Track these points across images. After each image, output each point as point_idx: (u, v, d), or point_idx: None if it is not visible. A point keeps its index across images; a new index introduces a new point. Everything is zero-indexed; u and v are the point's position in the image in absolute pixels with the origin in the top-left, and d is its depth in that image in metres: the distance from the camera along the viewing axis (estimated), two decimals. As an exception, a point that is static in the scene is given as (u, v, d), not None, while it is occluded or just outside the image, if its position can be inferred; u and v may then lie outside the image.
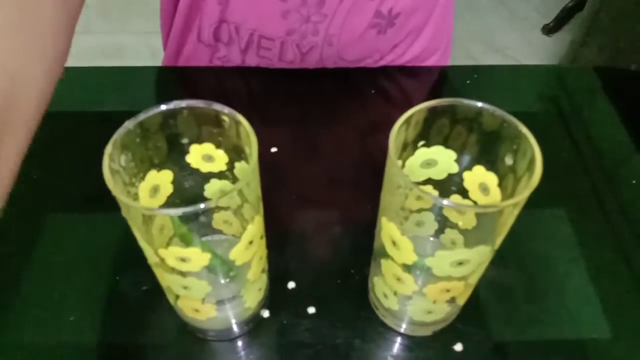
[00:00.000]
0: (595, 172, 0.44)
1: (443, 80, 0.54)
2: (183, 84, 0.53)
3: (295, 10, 0.48)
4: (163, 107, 0.27)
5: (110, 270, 0.37)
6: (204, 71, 0.54)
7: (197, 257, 0.26)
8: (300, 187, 0.43)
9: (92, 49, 1.46)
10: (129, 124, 0.27)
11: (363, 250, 0.35)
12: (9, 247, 0.38)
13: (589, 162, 0.45)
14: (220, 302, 0.31)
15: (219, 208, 0.28)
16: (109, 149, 0.25)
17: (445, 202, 0.24)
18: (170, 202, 0.31)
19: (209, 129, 0.28)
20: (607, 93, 0.51)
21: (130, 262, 0.36)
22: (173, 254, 0.26)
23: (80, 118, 0.48)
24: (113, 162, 0.26)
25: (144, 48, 1.49)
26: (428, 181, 0.32)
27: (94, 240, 0.39)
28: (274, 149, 0.45)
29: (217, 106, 0.27)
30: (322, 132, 0.47)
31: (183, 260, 0.26)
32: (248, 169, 0.26)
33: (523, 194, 0.24)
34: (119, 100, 0.49)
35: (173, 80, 0.53)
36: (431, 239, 0.34)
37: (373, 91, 0.50)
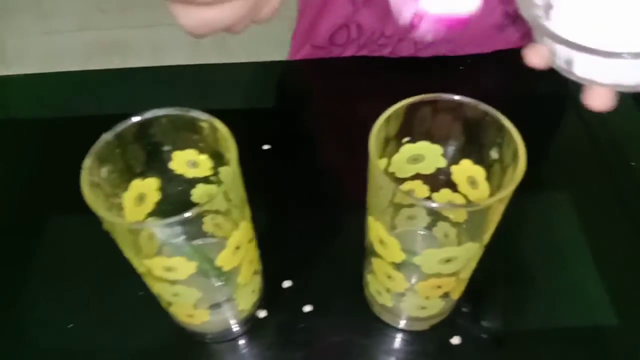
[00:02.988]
0: (608, 157, 0.43)
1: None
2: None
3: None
4: (140, 116, 0.27)
5: (106, 276, 0.37)
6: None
7: (183, 266, 0.26)
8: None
9: (91, 45, 1.46)
10: (106, 136, 0.26)
11: (358, 246, 0.35)
12: (7, 253, 0.39)
13: (602, 146, 0.44)
14: (213, 306, 0.31)
15: (206, 212, 0.28)
16: (87, 162, 0.25)
17: (426, 203, 0.23)
18: (158, 209, 0.31)
19: (189, 135, 0.28)
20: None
21: (126, 266, 0.36)
22: (159, 264, 0.26)
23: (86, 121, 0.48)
24: (93, 176, 0.25)
25: (144, 43, 1.48)
26: (417, 176, 0.31)
27: (89, 247, 0.39)
28: (265, 147, 0.44)
29: (195, 113, 0.27)
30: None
31: (169, 269, 0.26)
32: (229, 174, 0.26)
33: (507, 189, 0.24)
34: (118, 102, 0.49)
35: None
36: (423, 232, 0.34)
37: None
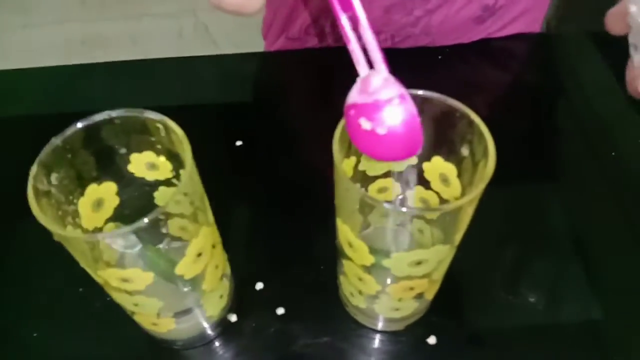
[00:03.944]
0: (593, 147, 0.42)
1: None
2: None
3: (400, 5, 0.47)
4: (93, 119, 0.25)
5: (72, 282, 0.36)
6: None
7: (139, 277, 0.25)
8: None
9: (72, 38, 1.42)
10: (55, 140, 0.25)
11: (332, 247, 0.34)
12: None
13: (586, 136, 0.43)
14: (178, 314, 0.30)
15: (169, 215, 0.27)
16: (33, 170, 0.24)
17: (388, 206, 0.22)
18: (118, 214, 0.30)
19: (144, 137, 0.27)
20: (603, 59, 0.48)
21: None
22: (113, 276, 0.25)
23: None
24: (41, 184, 0.24)
25: (125, 35, 1.44)
26: (388, 173, 0.30)
27: (53, 253, 0.37)
28: (239, 142, 0.43)
29: (148, 113, 0.25)
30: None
31: (125, 280, 0.25)
32: (185, 175, 0.25)
33: (476, 190, 0.23)
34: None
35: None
36: (400, 228, 0.33)
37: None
